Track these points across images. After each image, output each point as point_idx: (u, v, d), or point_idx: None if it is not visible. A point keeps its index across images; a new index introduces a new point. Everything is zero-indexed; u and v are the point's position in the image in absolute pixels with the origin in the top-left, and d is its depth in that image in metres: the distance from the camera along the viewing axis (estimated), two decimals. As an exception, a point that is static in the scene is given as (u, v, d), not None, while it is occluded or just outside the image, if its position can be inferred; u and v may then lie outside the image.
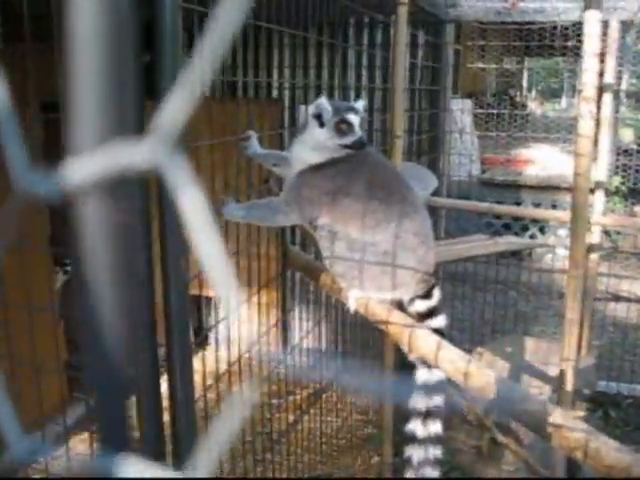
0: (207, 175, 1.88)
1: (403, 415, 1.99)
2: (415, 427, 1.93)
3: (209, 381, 2.04)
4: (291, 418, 3.82)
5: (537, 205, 7.08)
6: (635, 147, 7.48)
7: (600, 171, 4.10)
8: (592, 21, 2.10)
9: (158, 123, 0.32)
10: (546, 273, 6.01)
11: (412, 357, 1.92)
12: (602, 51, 2.53)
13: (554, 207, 6.90)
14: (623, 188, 7.12)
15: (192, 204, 0.33)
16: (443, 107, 4.73)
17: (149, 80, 1.34)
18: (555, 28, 5.12)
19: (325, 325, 4.38)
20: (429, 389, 1.92)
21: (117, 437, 0.38)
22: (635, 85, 8.42)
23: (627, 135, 7.87)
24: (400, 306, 1.98)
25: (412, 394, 1.94)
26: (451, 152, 5.04)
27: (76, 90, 0.32)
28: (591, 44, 2.11)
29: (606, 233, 6.14)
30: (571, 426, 1.39)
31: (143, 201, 1.40)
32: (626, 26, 5.20)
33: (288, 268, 2.79)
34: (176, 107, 0.32)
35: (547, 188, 7.30)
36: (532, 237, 7.31)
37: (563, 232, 6.95)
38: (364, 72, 4.42)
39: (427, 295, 1.98)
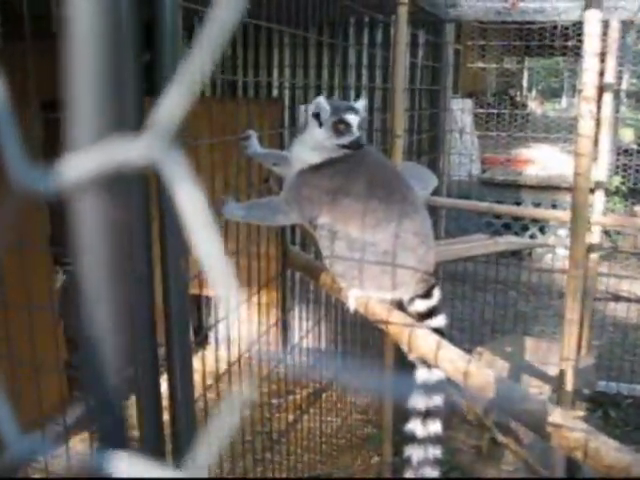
0: (207, 175, 1.88)
1: (403, 415, 1.99)
2: (415, 427, 1.93)
3: (209, 381, 2.04)
4: (291, 418, 3.82)
5: (537, 205, 7.08)
6: (635, 147, 7.48)
7: (600, 171, 4.10)
8: (592, 21, 2.10)
9: (155, 120, 0.32)
10: (546, 273, 6.01)
11: (412, 357, 1.92)
12: (602, 51, 2.53)
13: (554, 207, 6.90)
14: (623, 188, 7.12)
15: (190, 200, 0.33)
16: (443, 107, 4.73)
17: (149, 79, 1.34)
18: (555, 28, 5.12)
19: (325, 325, 4.38)
20: (429, 389, 1.92)
21: (116, 436, 0.38)
22: (635, 85, 8.42)
23: (627, 135, 7.87)
24: (400, 306, 1.98)
25: (412, 392, 1.94)
26: (451, 152, 5.04)
27: (74, 88, 0.32)
28: (591, 44, 2.11)
29: (606, 233, 6.14)
30: (571, 426, 1.39)
31: (143, 201, 1.40)
32: (626, 26, 5.19)
33: (288, 267, 2.79)
34: (173, 104, 0.32)
35: (547, 188, 7.30)
36: (532, 237, 7.31)
37: (563, 232, 6.95)
38: (364, 72, 4.42)
39: (427, 295, 1.98)
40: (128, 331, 0.35)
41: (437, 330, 1.89)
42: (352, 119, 1.92)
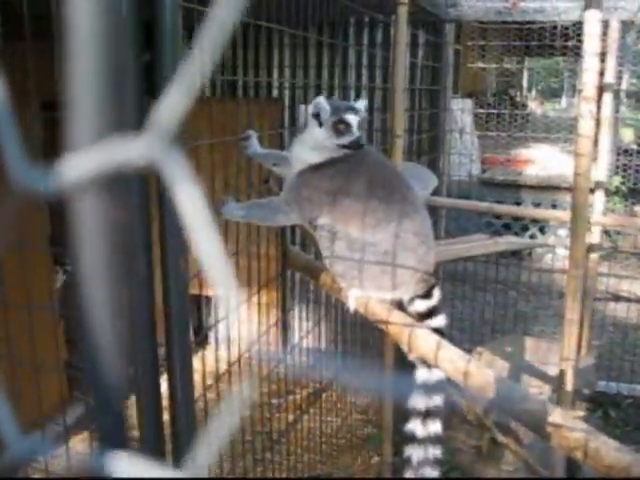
0: (207, 175, 1.88)
1: (403, 415, 1.99)
2: (415, 427, 1.93)
3: (209, 381, 2.04)
4: (291, 418, 3.82)
5: (537, 205, 7.08)
6: (635, 147, 7.48)
7: (600, 171, 4.10)
8: (592, 21, 2.10)
9: (155, 120, 0.32)
10: (546, 273, 6.01)
11: (412, 357, 1.92)
12: (602, 51, 2.53)
13: (554, 207, 6.90)
14: (623, 188, 7.12)
15: (190, 200, 0.33)
16: (443, 107, 4.73)
17: (149, 79, 1.34)
18: (555, 28, 5.12)
19: (325, 325, 4.38)
20: (429, 389, 1.92)
21: (116, 436, 0.38)
22: (635, 85, 8.42)
23: (627, 135, 7.87)
24: (400, 306, 1.98)
25: (412, 391, 1.94)
26: (451, 152, 5.04)
27: (74, 87, 0.32)
28: (591, 44, 2.11)
29: (606, 233, 6.14)
30: (571, 426, 1.39)
31: (143, 201, 1.40)
32: (626, 26, 5.19)
33: (288, 268, 2.79)
34: (173, 104, 0.32)
35: (547, 188, 7.30)
36: (532, 237, 7.31)
37: (563, 232, 6.95)
38: (364, 72, 4.42)
39: (427, 295, 1.98)
40: (127, 331, 0.35)
41: (437, 330, 1.89)
42: (352, 119, 1.92)
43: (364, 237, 1.91)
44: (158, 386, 1.52)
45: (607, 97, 4.04)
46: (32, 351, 2.10)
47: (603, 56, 3.60)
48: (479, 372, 1.63)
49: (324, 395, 4.09)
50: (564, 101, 19.21)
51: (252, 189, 2.41)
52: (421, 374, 1.94)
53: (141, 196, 1.39)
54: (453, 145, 5.20)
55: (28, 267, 2.13)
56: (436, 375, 1.91)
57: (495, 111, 7.35)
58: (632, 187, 7.10)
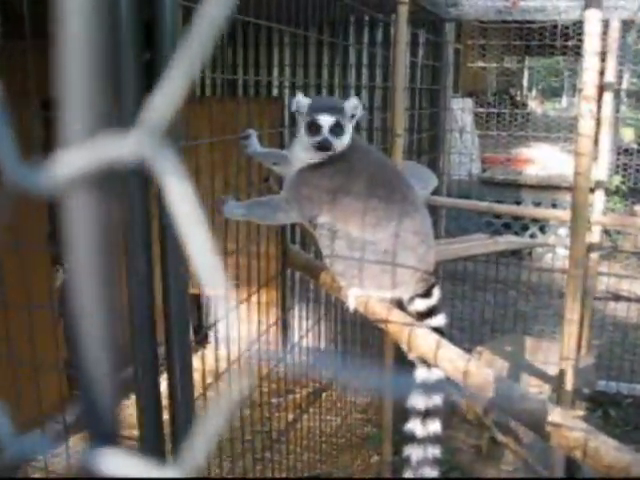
0: (207, 174, 1.88)
1: (403, 414, 1.99)
2: (414, 426, 1.93)
3: (209, 380, 2.04)
4: (291, 417, 3.82)
5: (537, 204, 7.08)
6: (635, 146, 7.49)
7: (600, 170, 4.10)
8: (593, 20, 2.10)
9: (146, 117, 0.32)
10: (546, 272, 6.01)
11: (412, 356, 1.92)
12: (603, 50, 2.53)
13: (554, 206, 6.90)
14: (623, 187, 7.12)
15: (180, 198, 0.33)
16: (443, 106, 4.73)
17: (150, 78, 1.34)
18: (556, 27, 5.11)
19: (325, 324, 4.38)
20: (428, 388, 1.92)
21: (109, 435, 0.38)
22: (636, 84, 8.42)
23: (627, 134, 7.87)
24: (400, 305, 1.98)
25: (411, 390, 1.94)
26: (451, 151, 5.04)
27: (66, 85, 0.32)
28: (592, 43, 2.11)
29: (606, 232, 6.13)
30: (570, 425, 1.39)
31: (143, 200, 1.40)
32: (627, 25, 5.19)
33: (288, 267, 2.79)
34: (164, 101, 0.32)
35: (547, 187, 7.30)
36: (532, 236, 7.31)
37: (563, 231, 6.95)
38: (364, 71, 4.42)
39: (427, 294, 1.98)
40: (120, 331, 0.35)
41: (437, 329, 1.89)
42: (323, 120, 1.89)
43: (364, 236, 1.90)
44: (158, 385, 1.52)
45: (607, 96, 4.04)
46: (32, 350, 2.10)
47: (603, 55, 3.60)
48: (479, 371, 1.63)
49: (324, 394, 4.09)
50: (564, 100, 19.21)
51: (252, 188, 2.41)
52: (421, 373, 1.94)
53: (141, 194, 1.39)
54: (453, 144, 5.20)
55: (28, 267, 2.13)
56: (436, 374, 1.91)
57: (495, 110, 7.36)
58: (632, 186, 7.10)
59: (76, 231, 0.34)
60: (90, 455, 0.35)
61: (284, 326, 4.26)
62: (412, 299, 1.97)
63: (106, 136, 0.33)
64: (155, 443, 1.52)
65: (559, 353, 2.31)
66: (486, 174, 7.72)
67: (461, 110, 6.06)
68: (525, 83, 16.15)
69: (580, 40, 2.37)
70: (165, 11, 1.38)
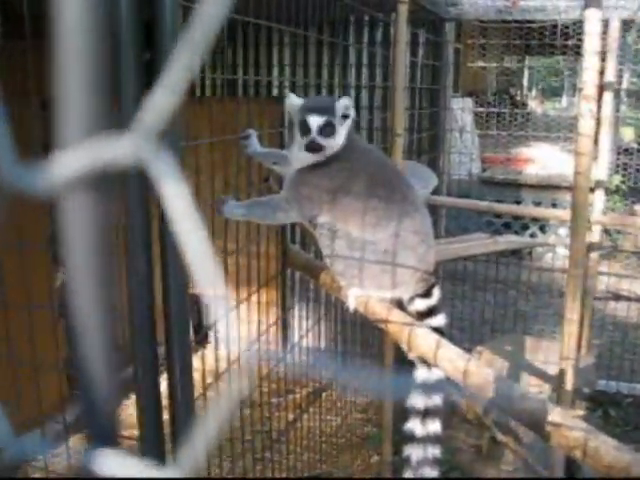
0: (207, 174, 1.88)
1: (403, 414, 1.99)
2: (414, 426, 1.93)
3: (209, 380, 2.04)
4: (291, 417, 3.82)
5: (537, 204, 7.08)
6: (635, 146, 7.48)
7: (600, 170, 4.10)
8: (592, 20, 2.10)
9: (142, 118, 0.32)
10: (546, 272, 6.01)
11: (411, 356, 1.92)
12: (603, 50, 2.53)
13: (554, 206, 6.90)
14: (623, 187, 7.12)
15: (176, 199, 0.32)
16: (443, 105, 4.73)
17: (150, 78, 1.34)
18: (556, 27, 5.11)
19: (325, 324, 4.38)
20: (428, 388, 1.92)
21: (107, 436, 0.38)
22: (636, 84, 8.42)
23: (627, 134, 7.87)
24: (400, 305, 1.98)
25: (411, 390, 1.94)
26: (451, 151, 5.04)
27: (62, 85, 0.32)
28: (591, 43, 2.11)
29: (606, 232, 6.13)
30: (570, 425, 1.39)
31: (143, 200, 1.40)
32: (627, 25, 5.19)
33: (288, 266, 2.79)
34: (160, 102, 0.32)
35: (547, 187, 7.30)
36: (532, 236, 7.31)
37: (563, 231, 6.95)
38: (364, 70, 4.42)
39: (427, 294, 1.98)
40: (120, 330, 0.35)
41: (437, 329, 1.89)
42: (313, 121, 1.89)
43: (364, 236, 1.90)
44: (158, 385, 1.52)
45: (607, 96, 4.04)
46: (32, 350, 2.10)
47: (603, 55, 3.60)
48: (479, 371, 1.63)
49: (324, 394, 4.09)
50: (564, 100, 19.21)
51: (252, 188, 2.41)
52: (421, 373, 1.94)
53: (141, 195, 1.39)
54: (453, 144, 5.20)
55: (28, 267, 2.13)
56: (436, 374, 1.91)
57: (495, 110, 7.35)
58: (632, 186, 7.10)
59: (73, 232, 0.34)
60: (90, 455, 0.35)
61: (284, 326, 4.26)
62: (412, 299, 1.97)
63: (103, 137, 0.33)
64: (155, 443, 1.52)
65: (559, 353, 2.31)
66: (486, 174, 7.72)
67: (461, 110, 6.05)
68: (525, 83, 16.15)
69: (580, 40, 2.37)
70: (165, 11, 1.38)
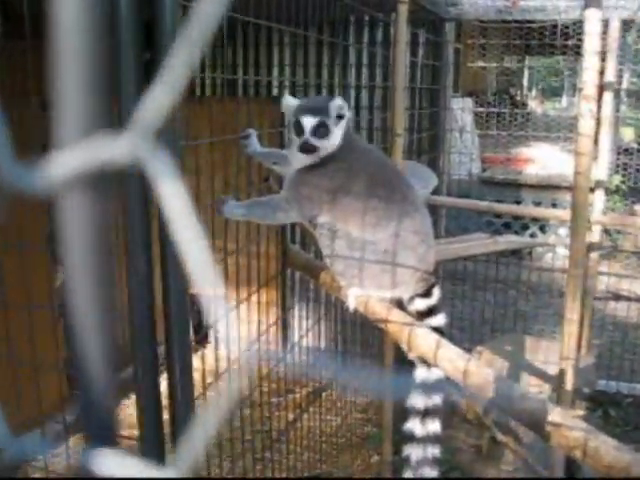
0: (207, 174, 1.88)
1: (403, 414, 1.99)
2: (414, 426, 1.93)
3: (209, 379, 2.04)
4: (291, 417, 3.82)
5: (537, 204, 7.08)
6: (636, 146, 7.48)
7: (600, 170, 4.10)
8: (592, 20, 2.10)
9: (140, 117, 0.32)
10: (546, 272, 6.01)
11: (411, 356, 1.92)
12: (603, 50, 2.53)
13: (554, 206, 6.90)
14: (623, 187, 7.12)
15: (173, 198, 0.32)
16: (443, 105, 4.73)
17: (150, 78, 1.34)
18: (556, 27, 5.11)
19: (325, 324, 4.38)
20: (428, 388, 1.92)
21: (105, 436, 0.38)
22: (636, 84, 8.42)
23: (628, 134, 7.87)
24: (400, 305, 1.98)
25: (411, 390, 1.94)
26: (451, 151, 5.04)
27: (60, 84, 0.32)
28: (591, 43, 2.11)
29: (606, 232, 6.13)
30: (570, 425, 1.39)
31: (142, 200, 1.40)
32: (627, 25, 5.19)
33: (288, 266, 2.79)
34: (158, 101, 0.32)
35: (547, 187, 7.30)
36: (532, 236, 7.31)
37: (563, 231, 6.95)
38: (364, 70, 4.42)
39: (427, 294, 1.98)
40: (119, 330, 0.35)
41: (437, 329, 1.89)
42: (306, 121, 1.89)
43: (364, 236, 1.90)
44: (158, 385, 1.52)
45: (607, 96, 4.04)
46: (32, 350, 2.10)
47: (603, 55, 3.60)
48: (479, 371, 1.63)
49: (324, 394, 4.09)
50: (564, 100, 19.21)
51: (252, 188, 2.41)
52: (420, 373, 1.94)
53: (140, 194, 1.39)
54: (453, 144, 5.20)
55: (28, 267, 2.13)
56: (435, 374, 1.91)
57: (495, 110, 7.35)
58: (632, 186, 7.10)
59: (71, 231, 0.34)
60: (89, 455, 0.35)
61: (284, 326, 4.26)
62: (412, 299, 1.97)
63: (101, 137, 0.33)
64: (155, 443, 1.52)
65: (559, 353, 2.31)
66: (486, 174, 7.72)
67: (461, 110, 6.06)
68: (525, 83, 16.15)
69: (580, 40, 2.37)
70: (165, 11, 1.38)
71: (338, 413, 4.00)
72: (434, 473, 1.94)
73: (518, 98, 13.24)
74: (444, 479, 3.24)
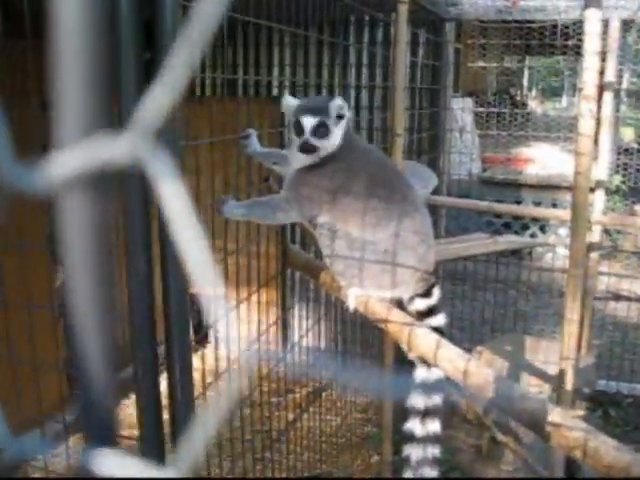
0: (207, 174, 1.88)
1: (403, 414, 1.99)
2: (414, 426, 1.93)
3: (209, 379, 2.04)
4: (291, 417, 3.82)
5: (537, 204, 7.08)
6: (636, 146, 7.48)
7: (600, 170, 4.09)
8: (593, 20, 2.10)
9: (139, 117, 0.32)
10: (546, 272, 6.01)
11: (411, 356, 1.92)
12: (603, 50, 2.53)
13: (554, 206, 6.90)
14: (623, 187, 7.12)
15: (173, 198, 0.32)
16: (443, 105, 4.73)
17: (150, 78, 1.34)
18: (556, 27, 5.11)
19: (325, 324, 4.38)
20: (428, 388, 1.92)
21: (105, 436, 0.38)
22: (636, 84, 8.42)
23: (628, 134, 7.87)
24: (400, 305, 1.98)
25: (411, 390, 1.94)
26: (451, 151, 5.04)
27: (60, 84, 0.32)
28: (592, 43, 2.11)
29: (606, 232, 6.13)
30: (570, 425, 1.39)
31: (142, 200, 1.40)
32: (627, 25, 5.19)
33: (288, 266, 2.79)
34: (158, 101, 0.32)
35: (547, 187, 7.30)
36: (532, 236, 7.31)
37: (563, 231, 6.95)
38: (365, 70, 4.42)
39: (427, 294, 1.98)
40: (119, 330, 0.35)
41: (437, 329, 1.89)
42: (306, 121, 1.89)
43: (364, 236, 1.90)
44: (158, 385, 1.52)
45: (607, 96, 4.04)
46: (32, 350, 2.10)
47: (603, 55, 3.59)
48: (479, 371, 1.63)
49: (324, 394, 4.09)
50: (564, 100, 19.21)
51: (252, 188, 2.41)
52: (420, 373, 1.94)
53: (140, 195, 1.39)
54: (453, 144, 5.20)
55: (28, 267, 2.13)
56: (435, 374, 1.91)
57: (495, 110, 7.35)
58: (632, 186, 7.10)
59: (71, 232, 0.34)
60: (89, 455, 0.35)
61: (284, 326, 4.26)
62: (412, 299, 1.97)
63: (101, 137, 0.33)
64: (155, 443, 1.52)
65: (559, 353, 2.31)
66: (486, 174, 7.72)
67: (461, 110, 6.06)
68: (525, 83, 16.14)
69: (580, 40, 2.37)
70: (165, 11, 1.38)
71: (338, 413, 4.00)
72: (434, 473, 1.94)
73: (518, 98, 13.24)
74: (444, 479, 3.24)
